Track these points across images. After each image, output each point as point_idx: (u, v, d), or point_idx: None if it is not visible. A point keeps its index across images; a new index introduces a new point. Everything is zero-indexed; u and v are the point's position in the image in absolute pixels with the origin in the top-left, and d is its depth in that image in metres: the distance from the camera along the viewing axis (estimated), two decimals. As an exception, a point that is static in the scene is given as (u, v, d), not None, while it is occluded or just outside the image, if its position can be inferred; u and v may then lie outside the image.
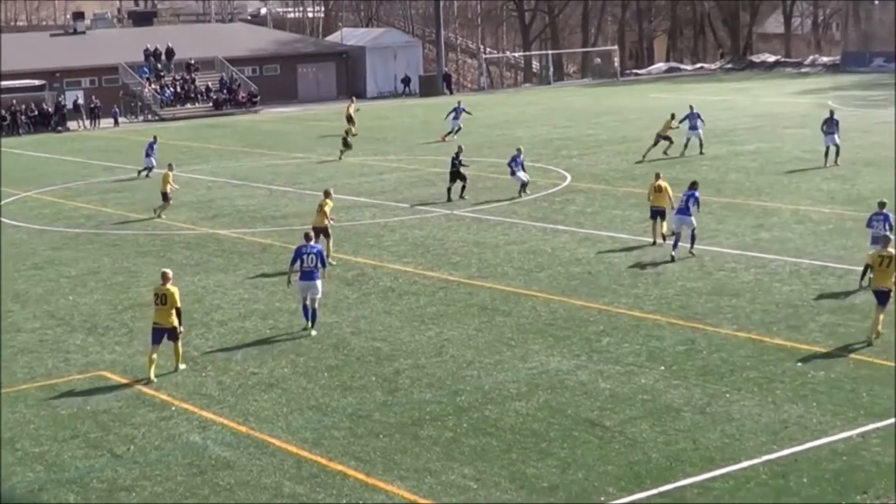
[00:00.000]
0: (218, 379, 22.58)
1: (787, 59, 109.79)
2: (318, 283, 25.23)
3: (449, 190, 41.87)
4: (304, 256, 25.18)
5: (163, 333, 22.78)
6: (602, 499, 16.47)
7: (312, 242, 25.89)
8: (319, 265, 25.18)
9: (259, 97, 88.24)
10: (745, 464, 17.43)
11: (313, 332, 25.35)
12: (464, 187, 41.89)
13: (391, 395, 21.26)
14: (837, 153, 45.97)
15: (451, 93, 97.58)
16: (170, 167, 42.21)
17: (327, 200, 32.11)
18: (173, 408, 20.96)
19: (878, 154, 48.32)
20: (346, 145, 54.73)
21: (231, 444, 19.16)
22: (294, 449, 18.80)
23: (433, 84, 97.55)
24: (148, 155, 51.17)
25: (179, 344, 23.11)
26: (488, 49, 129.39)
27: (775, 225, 34.89)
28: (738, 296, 27.01)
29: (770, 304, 26.21)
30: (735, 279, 28.60)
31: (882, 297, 23.50)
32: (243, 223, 39.03)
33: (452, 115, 61.25)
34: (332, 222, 32.29)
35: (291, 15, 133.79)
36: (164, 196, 40.90)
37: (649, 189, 33.49)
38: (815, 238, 32.81)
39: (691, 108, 51.80)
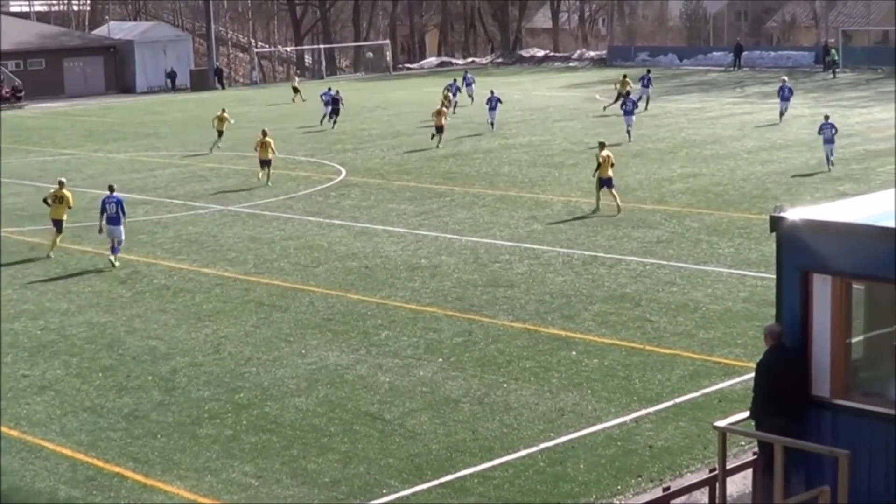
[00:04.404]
0: (-13, 383, 21.90)
1: (556, 54, 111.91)
2: (121, 227, 30.84)
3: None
4: (107, 205, 30.90)
5: (59, 223, 32.17)
6: (384, 491, 16.51)
7: (115, 193, 31.30)
8: (120, 212, 30.76)
9: (24, 92, 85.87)
10: (523, 452, 17.69)
11: (115, 263, 30.68)
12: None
13: (168, 394, 20.93)
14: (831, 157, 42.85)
15: (223, 87, 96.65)
16: None
17: (266, 139, 43.56)
18: (-60, 414, 20.26)
19: (643, 146, 49.61)
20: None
21: (2, 449, 18.59)
22: (69, 452, 18.35)
23: (204, 78, 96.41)
24: None
25: (59, 237, 32.23)
26: (260, 43, 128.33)
27: (548, 217, 35.51)
28: (513, 287, 27.39)
29: (544, 294, 26.65)
30: (510, 270, 29.00)
31: (608, 182, 35.55)
32: (10, 222, 37.89)
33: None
34: (275, 154, 44.20)
35: (56, 7, 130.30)
36: None
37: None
38: (586, 229, 33.49)
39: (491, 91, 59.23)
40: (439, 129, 52.42)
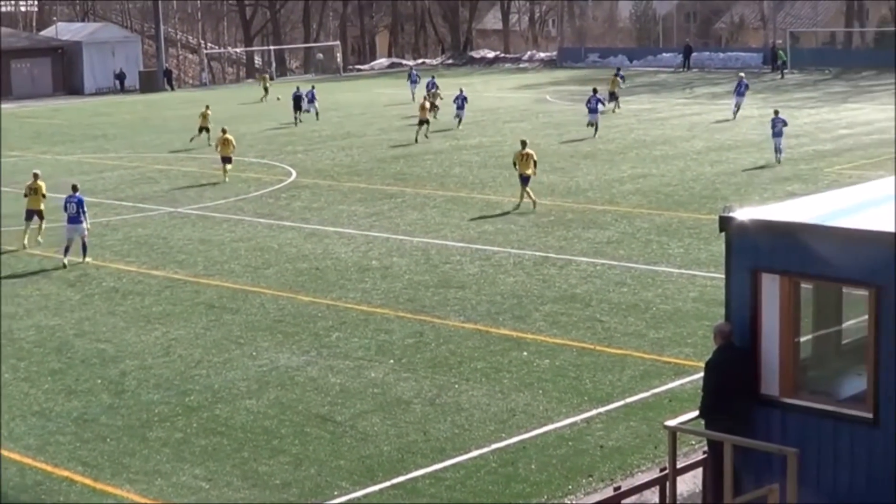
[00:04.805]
0: (-67, 387, 21.69)
1: (506, 55, 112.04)
2: (82, 224, 31.21)
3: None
4: (68, 205, 31.35)
5: (33, 213, 33.32)
6: (335, 493, 16.49)
7: (77, 194, 31.71)
8: (80, 211, 31.12)
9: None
10: (475, 453, 17.70)
11: (88, 260, 31.16)
12: None
13: (118, 397, 20.80)
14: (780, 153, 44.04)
15: (172, 88, 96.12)
16: None
17: (227, 136, 44.93)
18: None
19: (594, 147, 49.79)
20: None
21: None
22: (17, 457, 18.20)
23: (153, 80, 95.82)
24: None
25: (43, 223, 33.44)
26: (209, 44, 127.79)
27: (498, 217, 35.55)
28: (464, 288, 27.40)
29: (495, 295, 26.67)
30: (461, 271, 29.01)
31: (523, 179, 36.59)
32: (-43, 224, 37.55)
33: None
34: (234, 149, 45.54)
35: (4, 9, 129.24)
36: None
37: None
38: (537, 230, 33.54)
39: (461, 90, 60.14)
40: (422, 122, 54.30)
